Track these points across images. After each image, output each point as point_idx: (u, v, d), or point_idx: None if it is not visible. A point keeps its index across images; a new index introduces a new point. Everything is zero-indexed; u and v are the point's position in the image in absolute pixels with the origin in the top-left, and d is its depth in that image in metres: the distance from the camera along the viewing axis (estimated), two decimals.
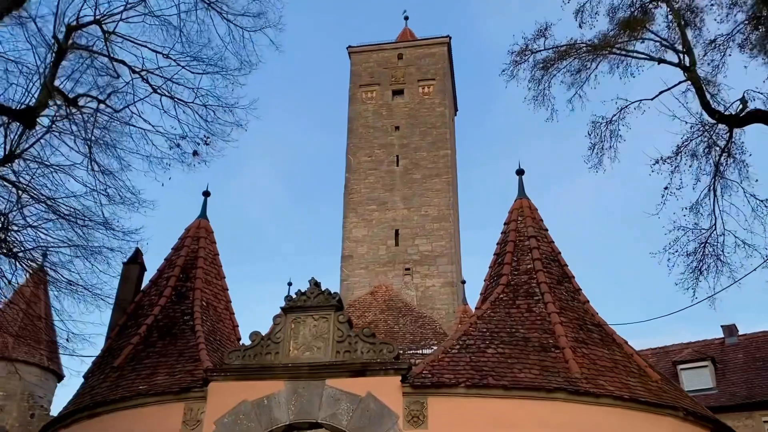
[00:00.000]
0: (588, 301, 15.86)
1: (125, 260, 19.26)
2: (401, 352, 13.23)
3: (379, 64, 42.09)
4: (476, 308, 16.17)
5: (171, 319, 16.63)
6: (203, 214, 20.17)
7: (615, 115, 14.15)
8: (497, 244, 17.79)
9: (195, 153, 12.91)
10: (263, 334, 13.69)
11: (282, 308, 13.84)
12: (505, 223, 18.07)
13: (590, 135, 14.36)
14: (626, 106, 14.08)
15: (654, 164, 14.63)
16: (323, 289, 13.94)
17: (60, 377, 24.61)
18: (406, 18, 47.53)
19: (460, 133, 46.05)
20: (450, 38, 42.51)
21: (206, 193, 20.49)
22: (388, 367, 12.83)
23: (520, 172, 18.81)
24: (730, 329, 29.79)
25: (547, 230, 17.60)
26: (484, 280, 17.25)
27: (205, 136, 12.53)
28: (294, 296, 13.93)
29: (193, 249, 19.33)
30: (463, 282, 27.20)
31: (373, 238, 35.41)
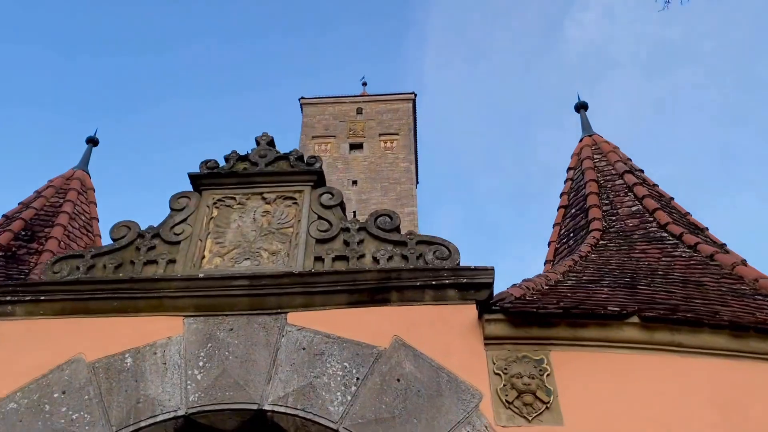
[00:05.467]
0: (745, 261, 8.87)
1: None
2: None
3: (336, 117, 36.37)
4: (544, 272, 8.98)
5: None
6: (83, 165, 12.57)
7: None
8: (562, 194, 10.98)
9: None
10: (144, 228, 5.97)
11: (192, 177, 6.25)
12: (570, 168, 11.39)
13: None
14: None
15: None
16: (288, 152, 6.51)
17: None
18: (365, 84, 42.71)
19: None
20: (415, 95, 37.48)
21: (92, 141, 13.04)
22: (444, 279, 5.27)
23: (582, 106, 12.50)
24: None
25: (642, 171, 10.95)
26: (549, 243, 10.28)
27: None
28: (223, 162, 6.42)
29: (55, 203, 11.54)
30: None
31: None
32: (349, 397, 4.71)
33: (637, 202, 9.79)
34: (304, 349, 5.01)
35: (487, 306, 5.09)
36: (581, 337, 5.00)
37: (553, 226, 10.56)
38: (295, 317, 5.21)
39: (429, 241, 5.65)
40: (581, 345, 4.99)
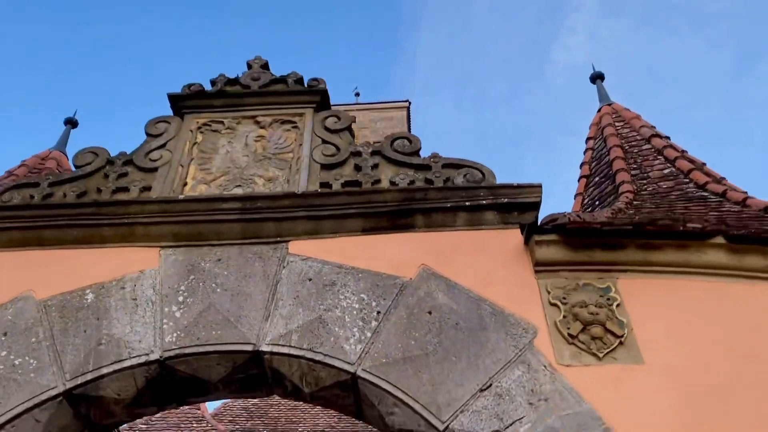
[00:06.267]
0: None
1: None
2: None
3: None
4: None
5: None
6: (60, 147, 11.53)
7: None
8: (582, 164, 10.08)
9: None
10: (115, 155, 4.98)
11: (172, 98, 5.27)
12: (589, 138, 10.51)
13: None
14: None
15: None
16: (285, 74, 5.56)
17: None
18: (357, 94, 41.86)
19: None
20: (409, 103, 36.65)
21: (71, 122, 12.03)
22: (480, 199, 4.31)
23: (598, 77, 11.68)
24: None
25: (669, 137, 10.09)
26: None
27: None
28: (209, 87, 5.46)
29: None
30: None
31: None
32: (368, 334, 3.71)
33: (668, 164, 8.90)
34: (310, 280, 4.01)
35: (535, 228, 4.13)
36: (655, 262, 4.04)
37: (575, 196, 9.64)
38: (298, 246, 4.22)
39: (458, 164, 4.69)
40: (655, 271, 4.04)
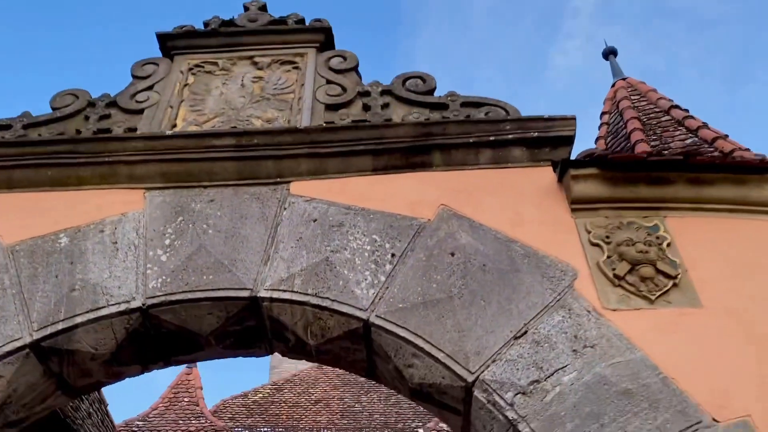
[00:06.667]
0: None
1: None
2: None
3: None
4: None
5: None
6: None
7: None
8: (598, 139, 9.64)
9: None
10: (96, 96, 4.48)
11: (161, 37, 4.78)
12: (604, 113, 10.08)
13: None
14: None
15: None
16: (285, 15, 5.07)
17: None
18: None
19: None
20: None
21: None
22: (506, 134, 3.82)
23: (610, 52, 11.28)
24: None
25: (688, 110, 9.63)
26: None
27: None
28: (202, 25, 4.97)
29: None
30: None
31: None
32: (382, 278, 3.22)
33: (690, 134, 8.46)
34: (315, 220, 3.52)
35: (571, 162, 3.64)
36: (707, 199, 3.55)
37: None
38: (300, 187, 3.73)
39: (478, 102, 4.19)
40: (706, 209, 3.55)
